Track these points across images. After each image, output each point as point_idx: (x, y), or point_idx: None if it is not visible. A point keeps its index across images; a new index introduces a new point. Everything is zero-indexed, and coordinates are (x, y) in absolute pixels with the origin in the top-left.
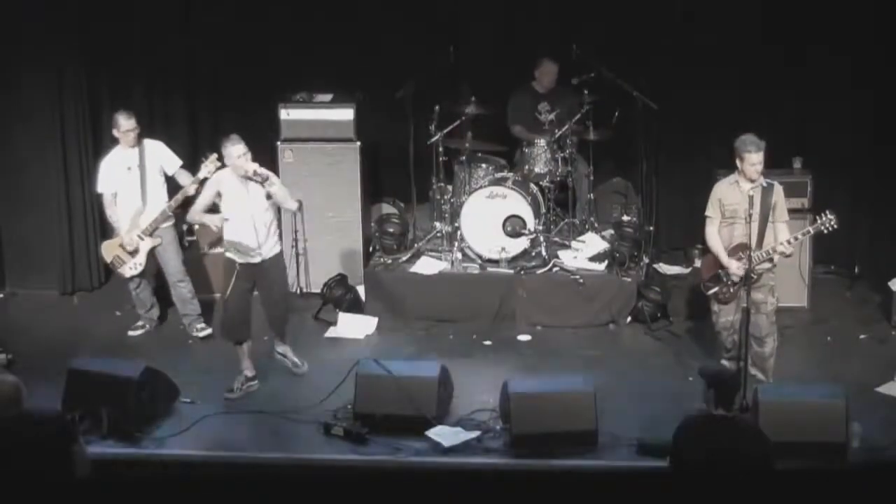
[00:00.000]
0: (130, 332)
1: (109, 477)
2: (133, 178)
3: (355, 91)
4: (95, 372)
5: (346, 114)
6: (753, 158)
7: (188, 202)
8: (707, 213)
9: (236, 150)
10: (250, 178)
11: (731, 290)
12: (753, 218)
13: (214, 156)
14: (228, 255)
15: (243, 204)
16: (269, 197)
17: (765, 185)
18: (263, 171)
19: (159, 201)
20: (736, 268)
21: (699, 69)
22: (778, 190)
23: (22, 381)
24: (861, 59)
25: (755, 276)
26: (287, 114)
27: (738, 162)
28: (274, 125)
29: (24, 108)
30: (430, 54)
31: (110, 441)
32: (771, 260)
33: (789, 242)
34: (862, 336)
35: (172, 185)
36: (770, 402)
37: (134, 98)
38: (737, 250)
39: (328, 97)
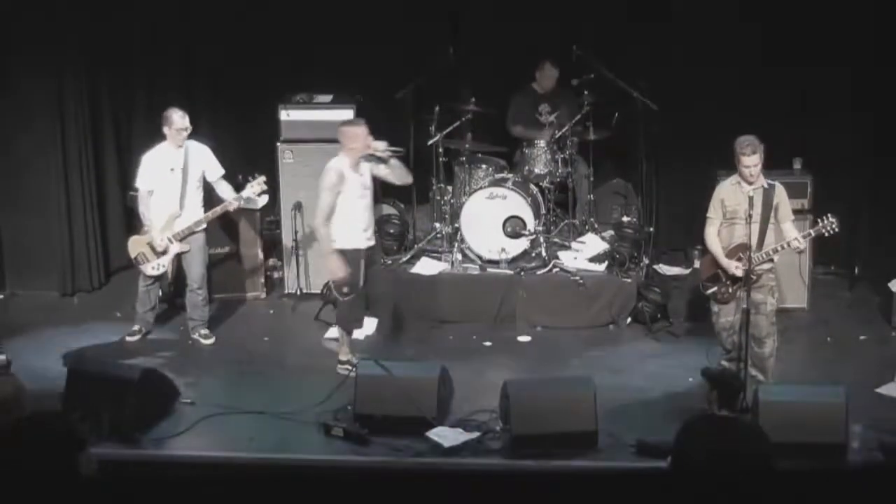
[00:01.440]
0: (128, 338)
1: (109, 477)
2: (174, 180)
3: (355, 92)
4: (95, 373)
5: (346, 114)
6: (749, 161)
7: (226, 215)
8: (708, 213)
9: (363, 129)
10: (376, 156)
11: (730, 290)
12: (753, 219)
13: (262, 178)
14: (350, 246)
15: (363, 188)
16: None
17: (766, 185)
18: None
19: (196, 207)
20: (734, 268)
21: (699, 69)
22: (780, 191)
23: (22, 382)
24: (861, 58)
25: (755, 277)
26: (287, 114)
27: (736, 163)
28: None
29: (25, 109)
30: (430, 54)
31: (110, 442)
32: (771, 260)
33: (803, 238)
34: (862, 336)
35: (207, 189)
36: (770, 402)
37: (134, 99)
38: (736, 251)
39: (328, 98)
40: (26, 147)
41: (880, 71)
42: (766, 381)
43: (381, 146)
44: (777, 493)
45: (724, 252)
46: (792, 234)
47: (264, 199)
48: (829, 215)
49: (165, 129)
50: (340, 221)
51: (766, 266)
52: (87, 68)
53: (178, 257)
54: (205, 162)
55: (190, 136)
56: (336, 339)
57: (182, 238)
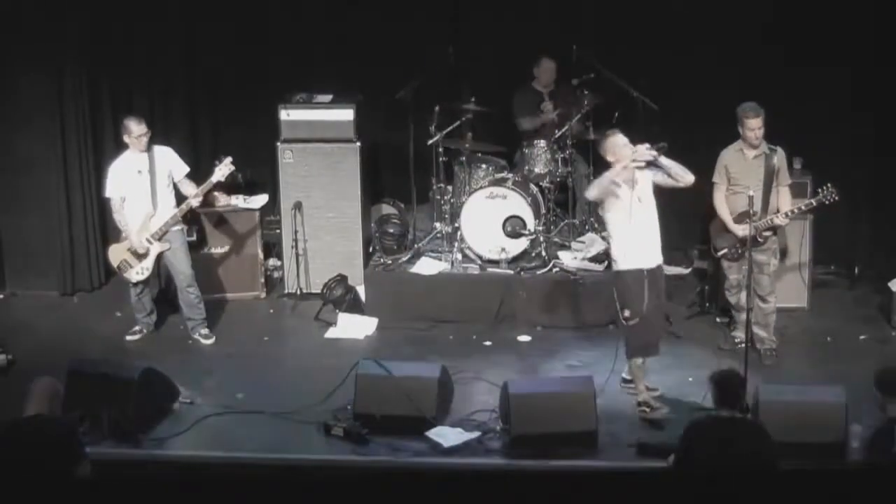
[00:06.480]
0: (128, 338)
1: (109, 477)
2: (143, 182)
3: (355, 91)
4: (95, 373)
5: (346, 114)
6: (752, 123)
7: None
8: (714, 179)
9: (620, 139)
10: (643, 162)
11: (739, 251)
12: (755, 186)
13: (229, 159)
14: (630, 267)
15: (638, 202)
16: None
17: (767, 151)
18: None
19: (169, 205)
20: (741, 233)
21: (699, 69)
22: (781, 154)
23: (21, 382)
24: (861, 58)
25: (762, 240)
26: (287, 114)
27: (739, 128)
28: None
29: (25, 110)
30: (430, 54)
31: (110, 441)
32: (774, 229)
33: (786, 215)
34: (862, 336)
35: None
36: (770, 402)
37: (134, 100)
38: (742, 217)
39: (328, 98)
40: (27, 148)
41: (880, 71)
42: (768, 338)
43: (642, 150)
44: (779, 492)
45: (731, 218)
46: (785, 202)
47: (263, 199)
48: (828, 185)
49: (126, 138)
50: (618, 241)
51: (769, 233)
52: (87, 68)
53: (163, 263)
54: (170, 162)
55: (154, 140)
56: (337, 339)
57: (161, 237)
